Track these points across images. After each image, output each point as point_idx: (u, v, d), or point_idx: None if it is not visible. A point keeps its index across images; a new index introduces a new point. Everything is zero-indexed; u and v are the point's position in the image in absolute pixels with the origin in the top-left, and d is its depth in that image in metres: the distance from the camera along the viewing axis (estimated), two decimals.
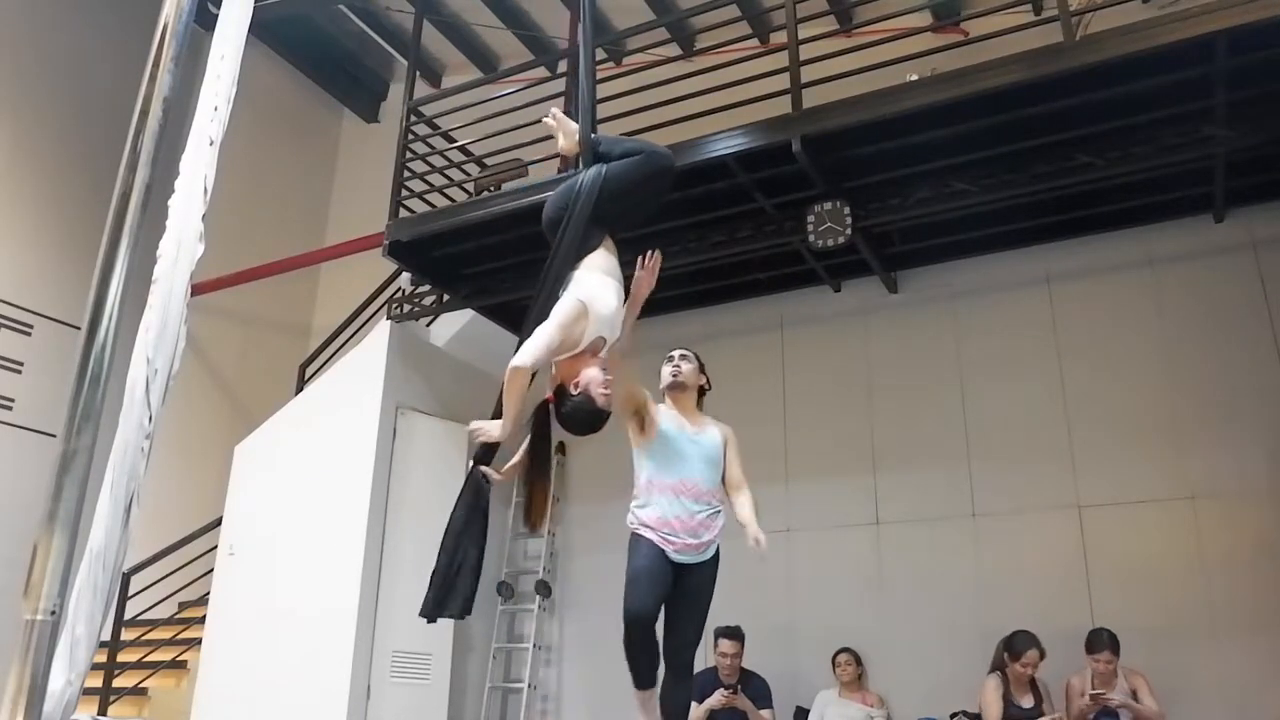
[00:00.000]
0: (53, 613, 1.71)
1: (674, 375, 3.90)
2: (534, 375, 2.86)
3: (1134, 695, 4.74)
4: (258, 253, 8.26)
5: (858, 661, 5.61)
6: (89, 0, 7.84)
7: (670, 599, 3.58)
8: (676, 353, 3.98)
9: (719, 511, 3.73)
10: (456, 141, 6.70)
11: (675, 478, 3.69)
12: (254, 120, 8.16)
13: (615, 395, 2.88)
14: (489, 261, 6.25)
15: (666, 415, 3.82)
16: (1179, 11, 4.34)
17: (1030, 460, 5.76)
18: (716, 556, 3.69)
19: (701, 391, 3.98)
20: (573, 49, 3.64)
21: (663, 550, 3.60)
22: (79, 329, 1.87)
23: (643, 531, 3.64)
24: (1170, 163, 4.93)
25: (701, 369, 3.99)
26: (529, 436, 2.98)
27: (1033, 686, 4.92)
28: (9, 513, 6.18)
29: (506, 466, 3.03)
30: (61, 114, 7.59)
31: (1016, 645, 4.86)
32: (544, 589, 6.93)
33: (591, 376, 2.85)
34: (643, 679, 3.59)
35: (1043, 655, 4.83)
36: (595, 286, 2.94)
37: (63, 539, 1.73)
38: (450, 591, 2.89)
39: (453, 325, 6.99)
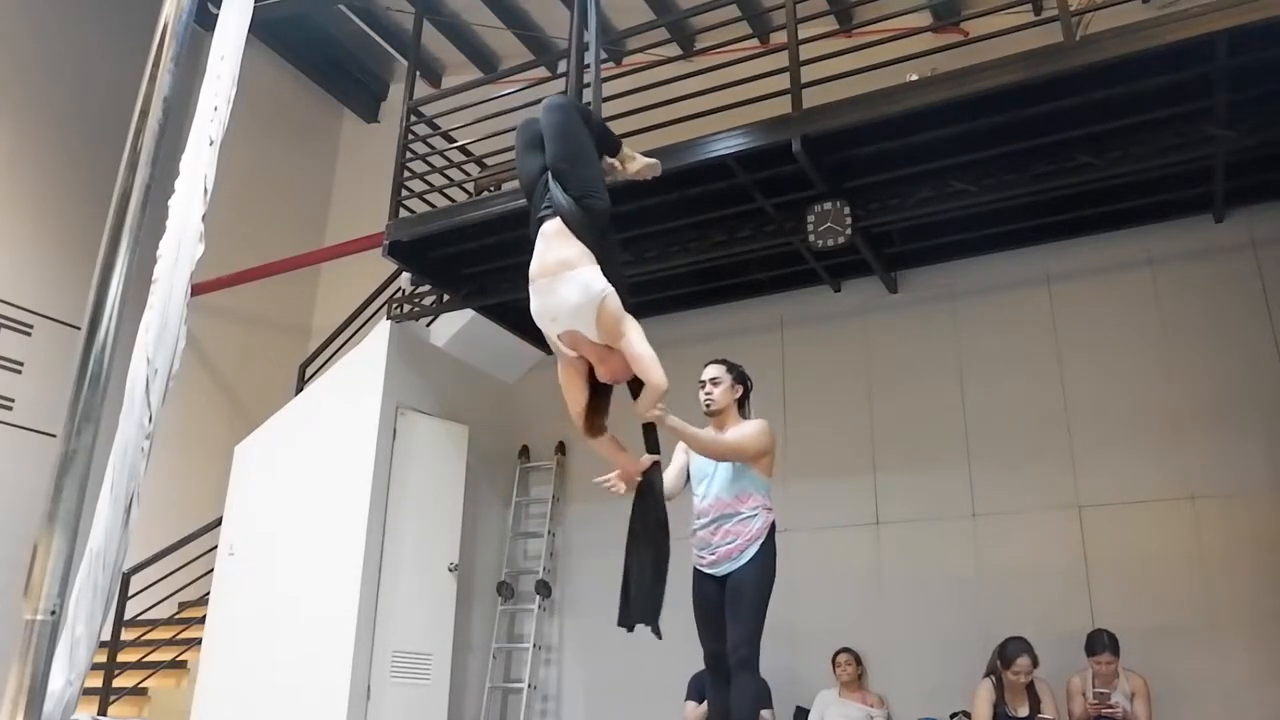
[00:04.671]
0: (53, 613, 1.70)
1: (706, 405, 3.99)
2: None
3: (1132, 699, 4.73)
4: (258, 253, 8.27)
5: (858, 661, 5.62)
6: (89, 0, 7.84)
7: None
8: (706, 374, 4.02)
9: (735, 516, 3.80)
10: (456, 141, 6.70)
11: (699, 501, 3.93)
12: (254, 120, 8.15)
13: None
14: (489, 261, 6.25)
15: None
16: (1179, 11, 4.34)
17: (1030, 460, 5.76)
18: (753, 560, 3.74)
19: (742, 398, 4.06)
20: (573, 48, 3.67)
21: (701, 572, 3.82)
22: (79, 329, 1.86)
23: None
24: (1170, 163, 4.93)
25: (737, 379, 4.05)
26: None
27: (1029, 694, 4.84)
28: (9, 513, 6.18)
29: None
30: (61, 114, 7.59)
31: (1008, 652, 4.82)
32: (544, 589, 6.92)
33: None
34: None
35: (1035, 663, 4.78)
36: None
37: (63, 539, 1.73)
38: (643, 600, 2.95)
39: (453, 325, 6.98)
